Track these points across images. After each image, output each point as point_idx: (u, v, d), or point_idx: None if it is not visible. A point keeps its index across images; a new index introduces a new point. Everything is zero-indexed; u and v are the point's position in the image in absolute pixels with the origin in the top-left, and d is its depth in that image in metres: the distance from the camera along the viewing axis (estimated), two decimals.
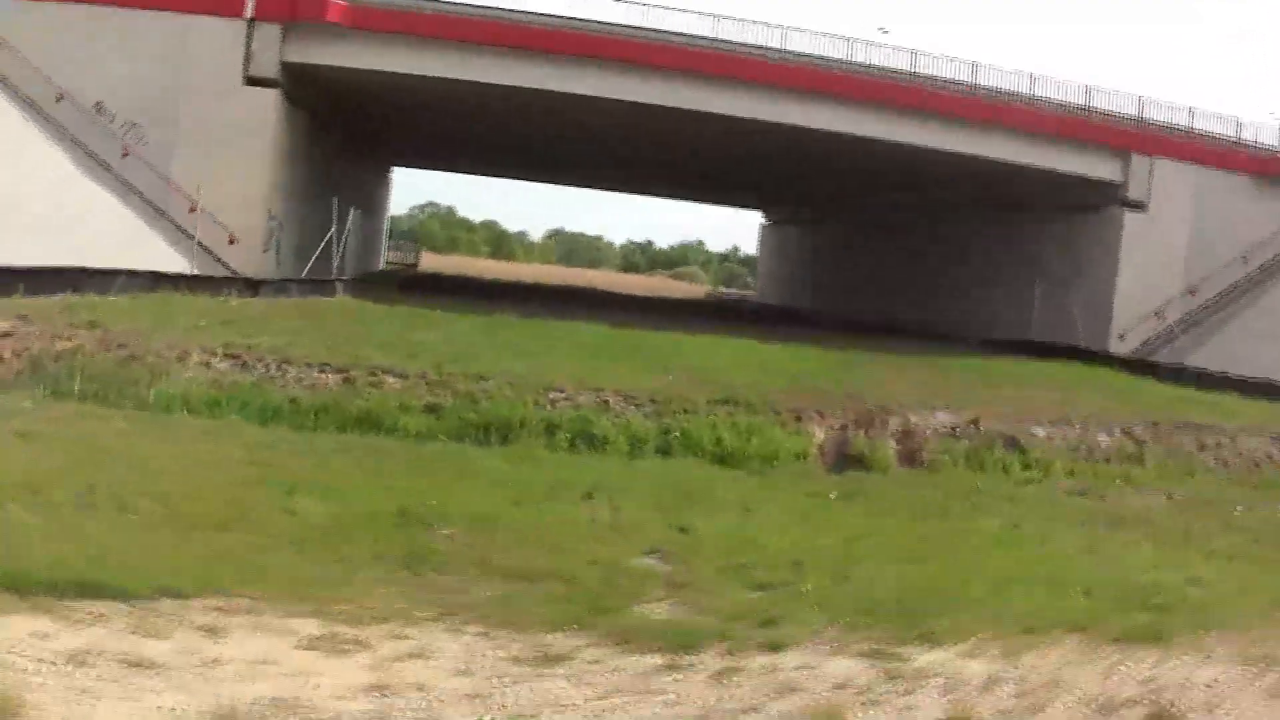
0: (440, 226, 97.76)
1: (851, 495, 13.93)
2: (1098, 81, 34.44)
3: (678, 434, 15.47)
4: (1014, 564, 10.59)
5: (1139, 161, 31.15)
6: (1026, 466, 16.67)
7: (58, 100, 25.62)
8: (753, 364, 21.30)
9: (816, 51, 29.99)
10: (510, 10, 28.97)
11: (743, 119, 29.99)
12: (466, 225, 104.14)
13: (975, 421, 17.52)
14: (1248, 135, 32.34)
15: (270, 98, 26.90)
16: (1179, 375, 26.83)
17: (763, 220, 58.68)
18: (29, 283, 18.70)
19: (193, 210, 26.31)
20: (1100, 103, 31.35)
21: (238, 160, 26.52)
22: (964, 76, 30.60)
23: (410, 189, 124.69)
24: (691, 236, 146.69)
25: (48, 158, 24.58)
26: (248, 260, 26.56)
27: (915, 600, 8.80)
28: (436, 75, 28.35)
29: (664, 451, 15.20)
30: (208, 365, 16.39)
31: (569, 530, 10.60)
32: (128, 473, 10.60)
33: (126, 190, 25.85)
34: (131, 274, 20.48)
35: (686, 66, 29.07)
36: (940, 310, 37.38)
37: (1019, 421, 17.80)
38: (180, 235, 26.30)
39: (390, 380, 16.51)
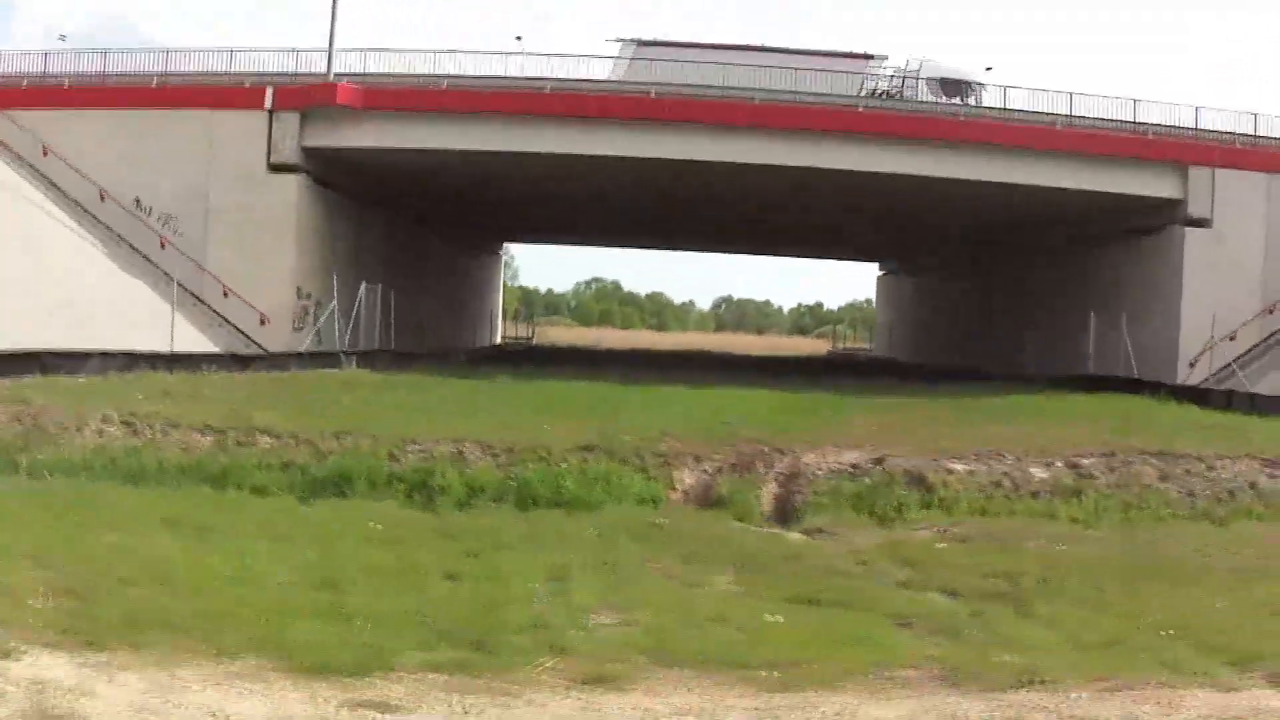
0: (596, 300, 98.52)
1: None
2: (1145, 93, 30.29)
3: (514, 482, 14.05)
4: None
5: (1199, 175, 27.27)
6: (926, 505, 14.22)
7: (101, 200, 26.80)
8: (704, 414, 19.52)
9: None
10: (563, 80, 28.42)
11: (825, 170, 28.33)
12: (625, 299, 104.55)
13: (880, 460, 15.15)
14: None
15: (293, 182, 27.12)
16: (1238, 401, 23.02)
17: (878, 271, 55.72)
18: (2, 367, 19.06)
19: (225, 295, 26.86)
20: (1150, 116, 27.87)
21: (265, 244, 26.85)
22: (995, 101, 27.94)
23: (576, 265, 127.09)
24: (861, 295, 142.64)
25: (84, 252, 25.64)
26: (277, 339, 26.64)
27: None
28: (458, 149, 27.83)
29: (498, 499, 13.81)
30: (100, 433, 16.16)
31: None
32: None
33: (163, 279, 26.58)
34: (105, 355, 20.61)
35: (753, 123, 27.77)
36: (1017, 351, 33.90)
37: (935, 458, 15.26)
38: (215, 318, 26.86)
39: (265, 440, 15.84)
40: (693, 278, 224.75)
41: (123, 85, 27.20)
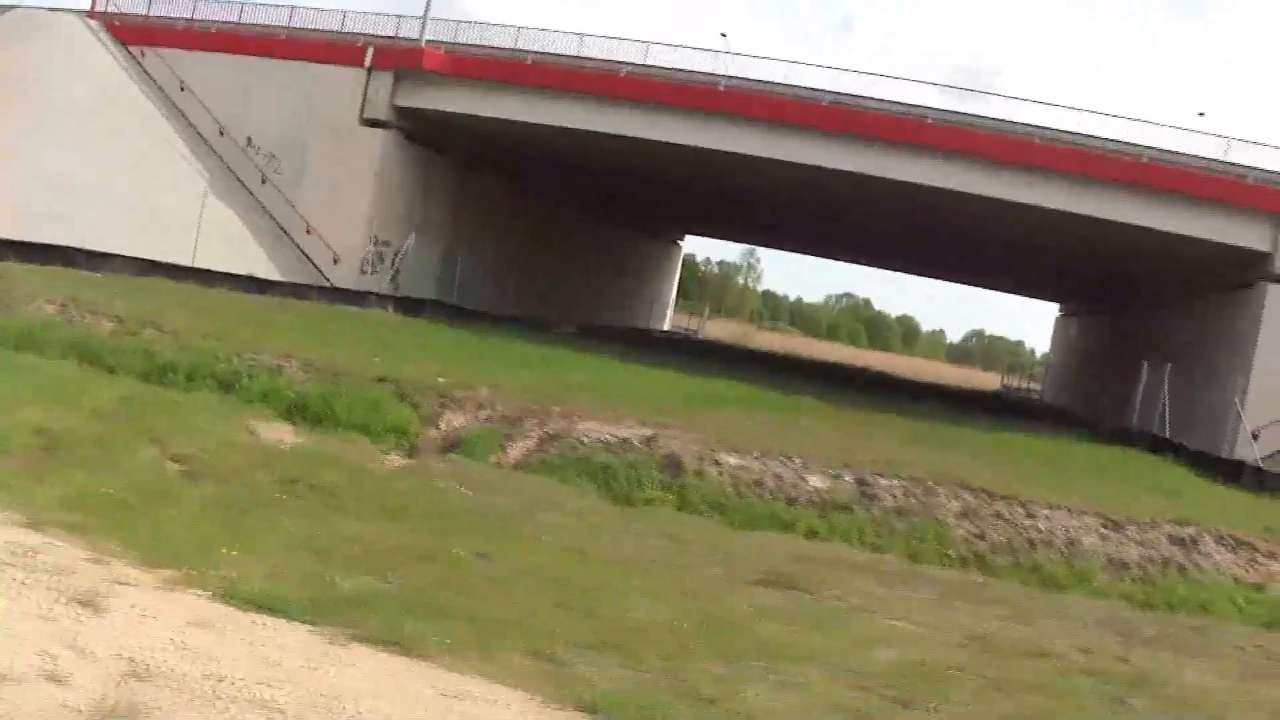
0: (842, 316, 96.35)
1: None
2: (1237, 130, 25.96)
3: (293, 394, 14.31)
4: None
5: None
6: (666, 488, 13.20)
7: (220, 134, 29.33)
8: (637, 391, 18.94)
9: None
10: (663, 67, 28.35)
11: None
12: (873, 317, 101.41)
13: (652, 439, 14.18)
14: None
15: (380, 137, 28.29)
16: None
17: (1058, 312, 50.76)
18: (30, 255, 21.36)
19: (309, 232, 28.75)
20: (1242, 158, 23.97)
21: (348, 190, 28.20)
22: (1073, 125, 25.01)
23: (830, 277, 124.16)
24: None
25: (190, 178, 28.23)
26: (346, 277, 28.26)
27: None
28: (539, 122, 27.84)
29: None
30: (40, 310, 17.99)
31: None
32: None
33: (258, 210, 28.99)
34: (126, 259, 22.75)
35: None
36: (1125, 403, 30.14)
37: (715, 449, 14.07)
38: (297, 252, 28.81)
39: (149, 333, 17.07)
40: (949, 308, 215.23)
41: (245, 34, 29.60)
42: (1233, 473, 20.04)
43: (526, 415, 14.73)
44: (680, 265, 58.43)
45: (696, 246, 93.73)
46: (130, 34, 30.26)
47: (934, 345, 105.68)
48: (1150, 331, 30.57)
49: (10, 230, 21.49)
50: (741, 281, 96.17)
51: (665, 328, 54.05)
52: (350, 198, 28.38)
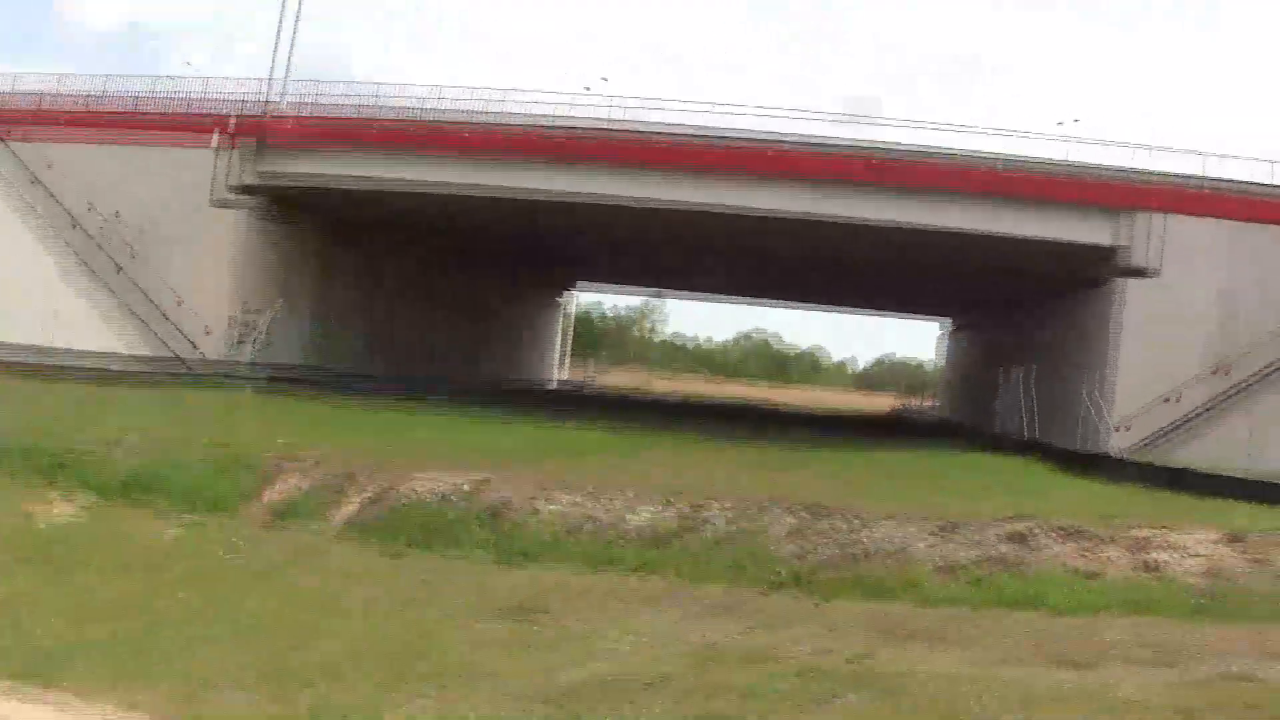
0: (747, 355, 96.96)
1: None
2: (1089, 131, 26.74)
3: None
4: None
5: (1144, 221, 23.73)
6: (484, 540, 12.76)
7: (89, 211, 28.51)
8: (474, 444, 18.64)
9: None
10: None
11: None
12: (777, 355, 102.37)
13: (477, 488, 13.83)
14: None
15: (238, 211, 28.21)
16: (1152, 475, 19.65)
17: (944, 330, 51.62)
18: None
19: (179, 304, 28.08)
20: (1090, 157, 24.60)
21: (214, 262, 27.95)
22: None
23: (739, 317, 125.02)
24: None
25: (55, 261, 27.61)
26: (217, 349, 27.66)
27: None
28: (389, 181, 27.72)
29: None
30: None
31: None
32: None
33: (127, 286, 28.15)
34: None
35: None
36: (1010, 411, 30.59)
37: (545, 489, 13.78)
38: (166, 324, 28.21)
39: None
40: (859, 337, 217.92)
41: (105, 115, 29.07)
42: (1091, 465, 20.24)
43: (355, 476, 14.24)
44: (569, 317, 58.38)
45: (598, 298, 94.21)
46: None
47: (842, 375, 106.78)
48: (1017, 338, 31.15)
49: None
50: (643, 329, 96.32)
51: (556, 381, 53.78)
52: (215, 270, 28.03)
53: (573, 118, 27.92)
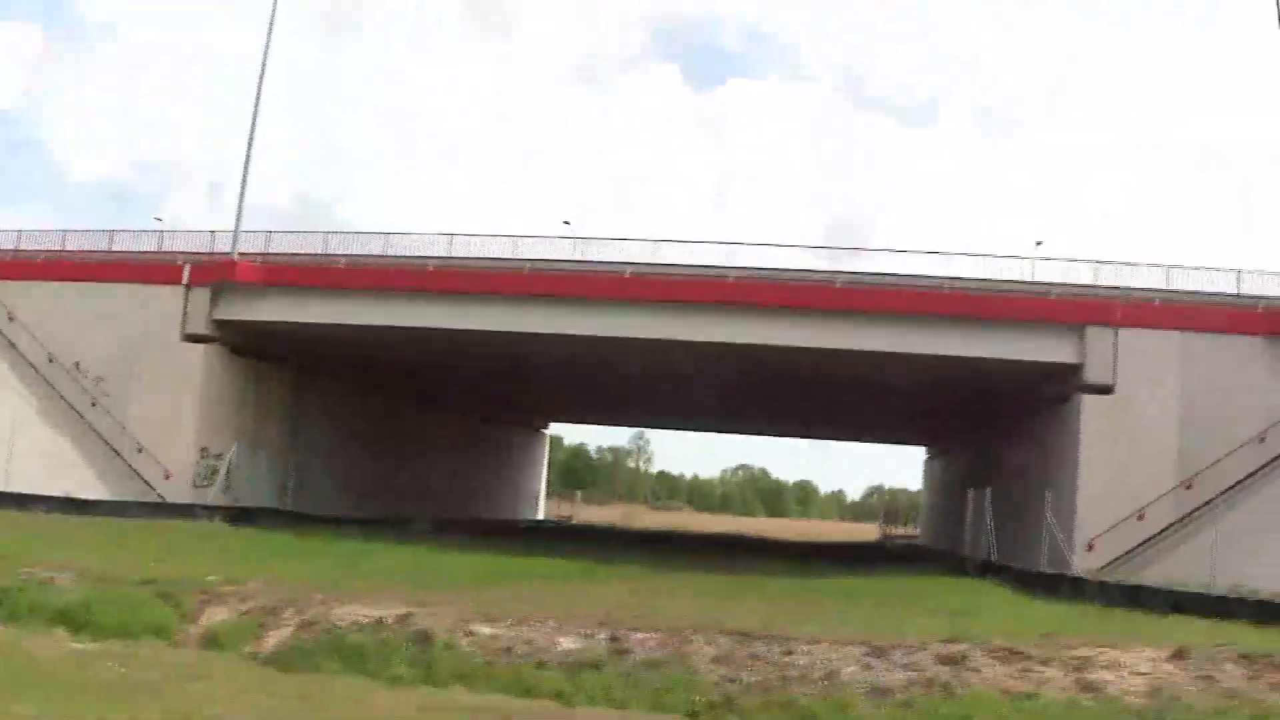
0: (740, 488, 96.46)
1: None
2: (1043, 249, 26.92)
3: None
4: None
5: (1097, 335, 23.67)
6: (415, 663, 12.42)
7: (49, 361, 28.58)
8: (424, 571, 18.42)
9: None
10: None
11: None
12: (771, 486, 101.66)
13: (406, 617, 13.52)
14: (1251, 288, 23.97)
15: (201, 351, 28.12)
16: (1114, 594, 19.07)
17: (925, 456, 51.31)
18: None
19: (140, 450, 27.94)
20: (1052, 276, 24.86)
21: (176, 406, 27.80)
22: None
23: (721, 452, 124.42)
24: None
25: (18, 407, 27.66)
26: (180, 491, 27.21)
27: None
28: (353, 323, 28.05)
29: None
30: None
31: None
32: None
33: (88, 433, 28.10)
34: None
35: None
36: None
37: (469, 620, 13.44)
38: (129, 471, 27.86)
39: None
40: (854, 467, 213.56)
41: (67, 262, 29.54)
42: (1051, 586, 19.73)
43: (287, 604, 14.19)
44: (548, 452, 58.19)
45: (585, 435, 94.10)
46: None
47: (834, 505, 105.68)
48: (985, 461, 30.89)
49: None
50: (636, 462, 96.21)
51: (538, 516, 53.21)
52: (177, 413, 27.95)
53: (544, 258, 28.31)
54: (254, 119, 29.51)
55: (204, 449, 28.21)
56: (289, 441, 31.11)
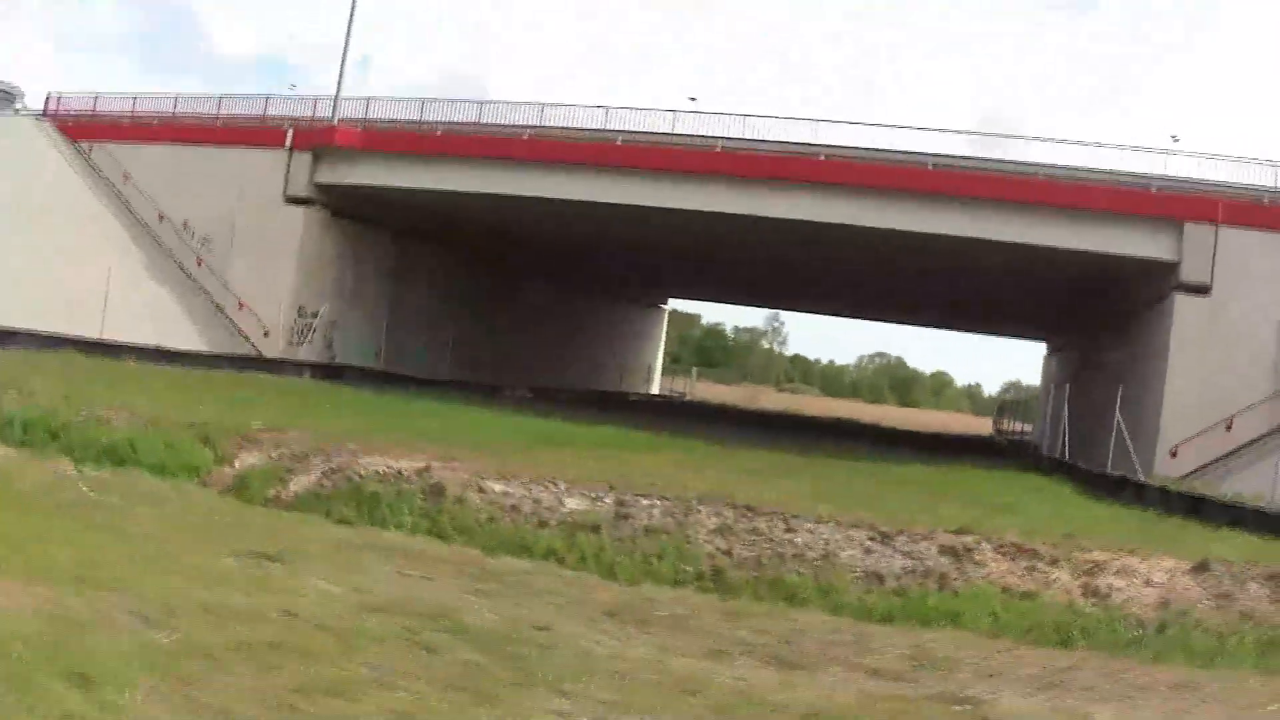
0: (875, 376, 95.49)
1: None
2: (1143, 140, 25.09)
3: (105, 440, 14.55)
4: None
5: (1196, 233, 22.26)
6: (424, 514, 12.98)
7: (160, 220, 30.45)
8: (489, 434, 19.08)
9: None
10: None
11: None
12: (907, 376, 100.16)
13: (425, 470, 14.04)
14: None
15: (301, 213, 29.18)
16: (1174, 503, 18.35)
17: (1044, 352, 49.38)
18: None
19: (241, 307, 29.53)
20: (1144, 166, 23.24)
21: (275, 266, 29.03)
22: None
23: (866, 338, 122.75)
24: None
25: (124, 262, 29.26)
26: (277, 348, 28.69)
27: None
28: (448, 189, 28.36)
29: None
30: None
31: None
32: None
33: (194, 290, 29.87)
34: (32, 335, 23.50)
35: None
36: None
37: (482, 477, 13.86)
38: (232, 327, 29.47)
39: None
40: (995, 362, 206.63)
41: (179, 125, 30.88)
42: (1114, 489, 19.08)
43: (316, 453, 14.71)
44: (665, 328, 58.30)
45: (726, 314, 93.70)
46: (78, 131, 31.86)
47: (968, 399, 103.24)
48: (1086, 359, 29.63)
49: None
50: (766, 345, 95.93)
51: (653, 391, 53.74)
52: (277, 273, 29.11)
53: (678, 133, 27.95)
54: None
55: (301, 308, 29.43)
56: (388, 304, 32.12)
